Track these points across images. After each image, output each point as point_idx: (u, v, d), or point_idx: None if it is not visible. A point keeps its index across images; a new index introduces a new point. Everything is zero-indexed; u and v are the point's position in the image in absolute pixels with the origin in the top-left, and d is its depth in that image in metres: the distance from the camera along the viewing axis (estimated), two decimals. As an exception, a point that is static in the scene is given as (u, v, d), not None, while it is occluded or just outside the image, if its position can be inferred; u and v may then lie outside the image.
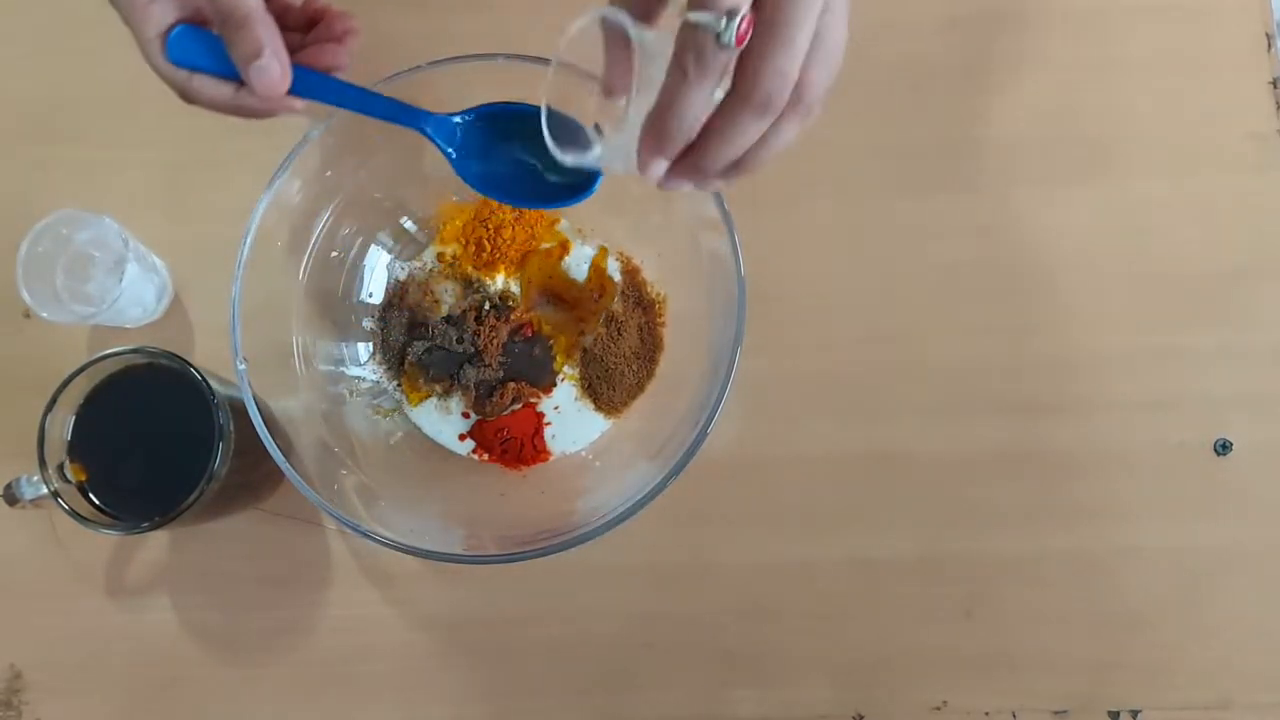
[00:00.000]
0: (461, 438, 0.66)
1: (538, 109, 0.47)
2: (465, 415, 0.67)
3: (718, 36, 0.38)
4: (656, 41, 0.42)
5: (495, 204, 0.68)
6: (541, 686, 0.65)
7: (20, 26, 0.74)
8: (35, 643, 0.66)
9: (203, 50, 0.46)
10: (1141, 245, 0.68)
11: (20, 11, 0.74)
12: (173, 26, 0.46)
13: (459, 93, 0.63)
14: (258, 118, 0.47)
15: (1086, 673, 0.64)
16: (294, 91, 0.46)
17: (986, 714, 0.64)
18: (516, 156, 0.54)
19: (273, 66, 0.44)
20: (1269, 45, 0.69)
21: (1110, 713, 0.63)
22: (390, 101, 0.50)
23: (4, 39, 0.74)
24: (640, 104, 0.42)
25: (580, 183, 0.51)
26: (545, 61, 0.59)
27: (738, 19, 0.37)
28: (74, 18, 0.74)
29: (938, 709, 0.64)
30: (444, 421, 0.67)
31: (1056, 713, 0.63)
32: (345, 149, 0.61)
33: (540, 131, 0.47)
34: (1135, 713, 0.63)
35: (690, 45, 0.38)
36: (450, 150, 0.52)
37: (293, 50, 0.46)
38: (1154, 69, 0.70)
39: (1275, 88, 0.69)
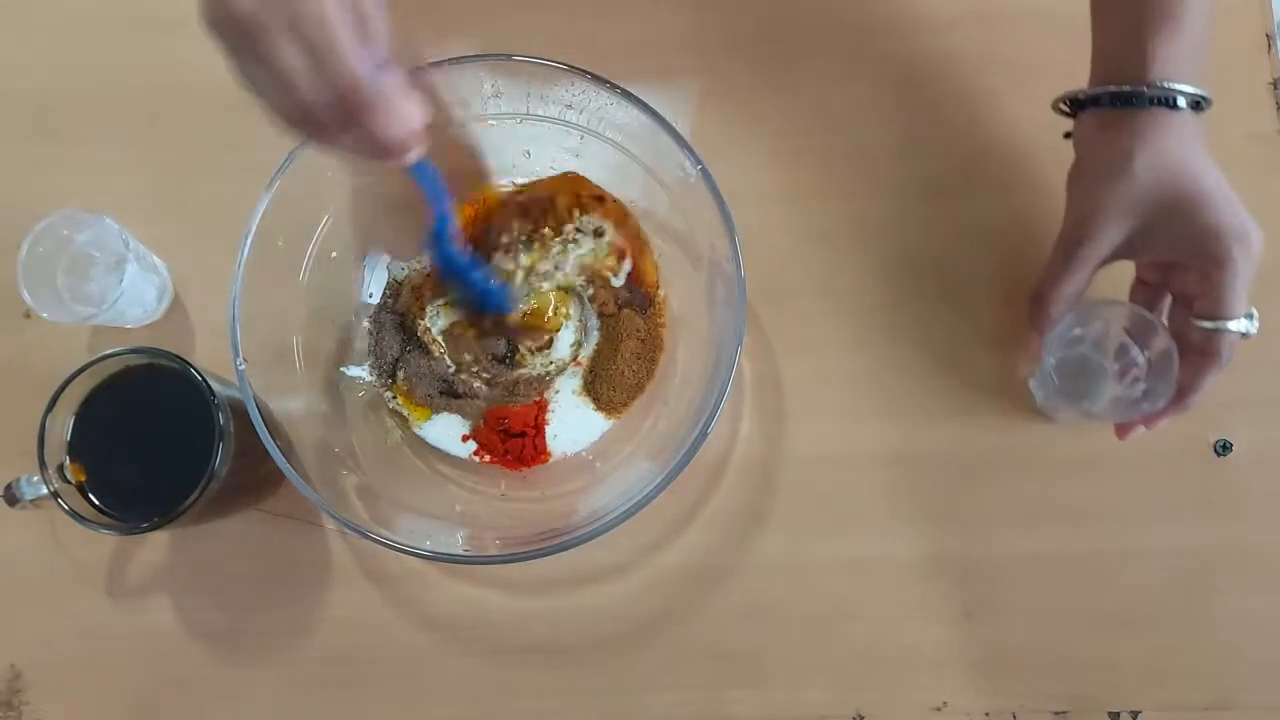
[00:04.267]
0: (464, 438, 0.66)
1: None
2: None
3: (1244, 334, 0.56)
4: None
5: (494, 202, 0.68)
6: (541, 686, 0.65)
7: (21, 26, 0.74)
8: (35, 643, 0.66)
9: None
10: (1141, 245, 0.68)
11: (21, 11, 0.74)
12: None
13: (458, 93, 0.63)
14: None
15: (1086, 673, 0.64)
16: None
17: (986, 714, 0.64)
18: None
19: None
20: (1269, 46, 0.69)
21: (1110, 713, 0.63)
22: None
23: (5, 39, 0.74)
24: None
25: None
26: (544, 61, 0.60)
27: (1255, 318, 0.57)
28: (75, 18, 0.74)
29: (938, 709, 0.64)
30: (447, 424, 0.67)
31: (1056, 713, 0.63)
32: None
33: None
34: (1135, 713, 0.63)
35: (1226, 346, 0.57)
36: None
37: None
38: (1154, 69, 0.70)
39: (1275, 88, 0.69)
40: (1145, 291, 0.63)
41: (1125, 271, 0.64)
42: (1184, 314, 0.59)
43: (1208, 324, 0.56)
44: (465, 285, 0.61)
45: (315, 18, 0.42)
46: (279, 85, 0.43)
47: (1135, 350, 0.62)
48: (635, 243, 0.67)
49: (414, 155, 0.47)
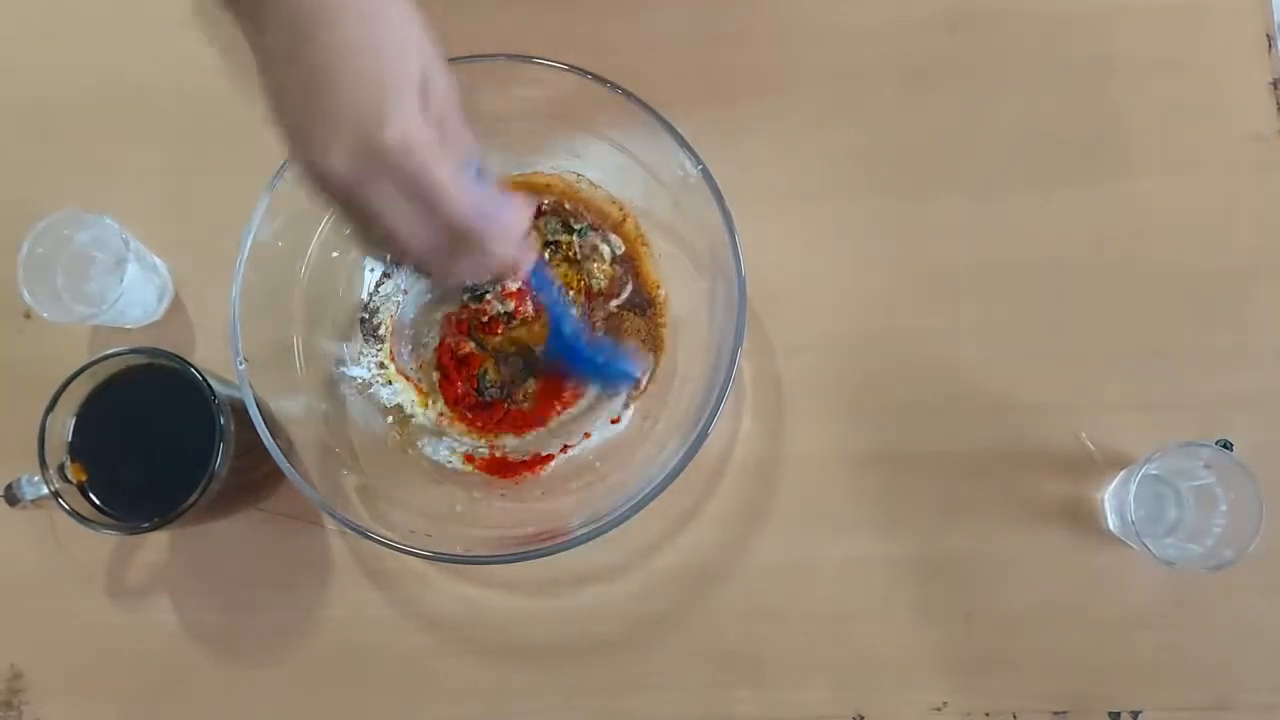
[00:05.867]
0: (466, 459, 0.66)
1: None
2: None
3: None
4: None
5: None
6: (541, 686, 0.65)
7: (21, 26, 0.74)
8: (35, 643, 0.66)
9: None
10: (1141, 245, 0.68)
11: (21, 11, 0.74)
12: None
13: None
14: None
15: (1086, 673, 0.64)
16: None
17: (987, 714, 0.64)
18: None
19: None
20: (1269, 46, 0.69)
21: (1110, 713, 0.63)
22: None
23: (5, 39, 0.74)
24: None
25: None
26: (545, 62, 0.60)
27: None
28: (75, 17, 0.74)
29: (938, 709, 0.64)
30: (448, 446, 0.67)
31: (1056, 713, 0.63)
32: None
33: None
34: (1135, 713, 0.63)
35: None
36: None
37: None
38: (1154, 69, 0.70)
39: (1275, 88, 0.69)
40: None
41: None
42: None
43: None
44: (594, 372, 0.63)
45: (412, 164, 0.40)
46: (394, 237, 0.42)
47: (1219, 491, 0.61)
48: (634, 244, 0.68)
49: (530, 262, 0.48)
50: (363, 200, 0.41)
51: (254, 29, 0.42)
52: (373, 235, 0.43)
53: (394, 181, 0.41)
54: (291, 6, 0.40)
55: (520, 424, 0.66)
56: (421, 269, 0.45)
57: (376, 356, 0.67)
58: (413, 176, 0.41)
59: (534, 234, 0.47)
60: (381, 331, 0.67)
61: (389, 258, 0.45)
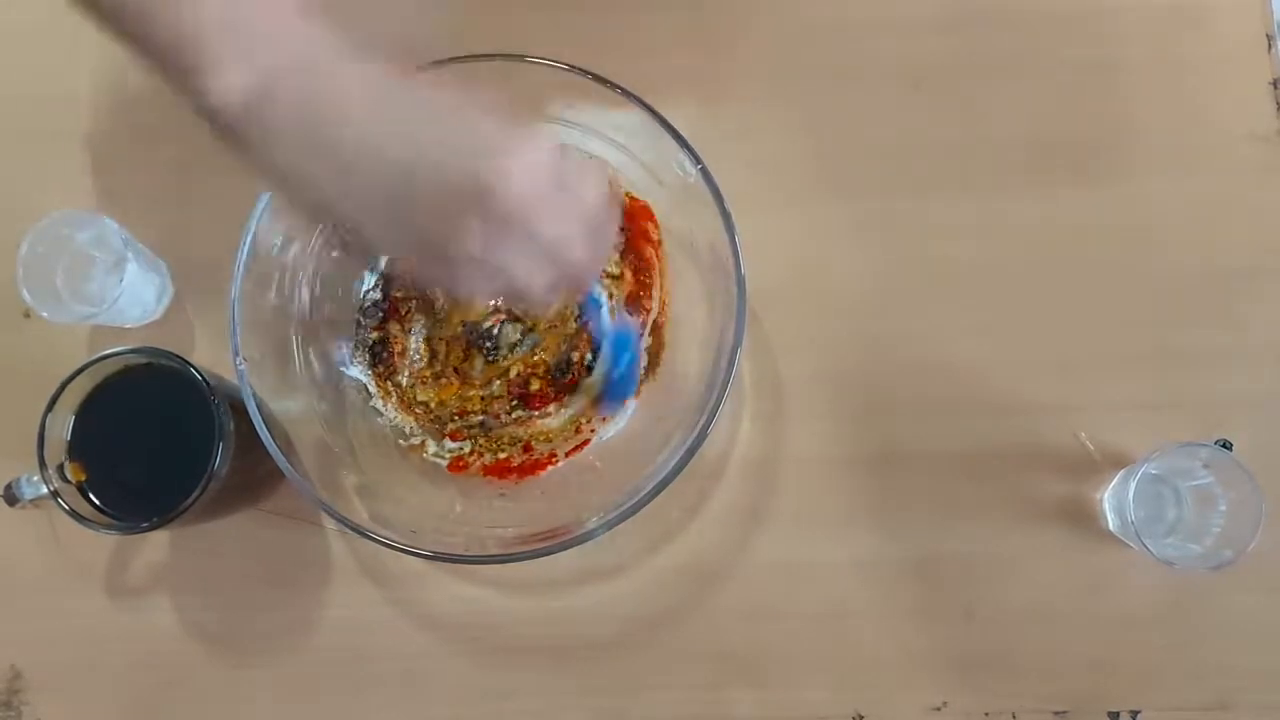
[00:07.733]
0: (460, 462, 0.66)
1: None
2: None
3: None
4: None
5: None
6: (541, 686, 0.65)
7: (20, 25, 0.74)
8: (35, 643, 0.66)
9: None
10: (1141, 245, 0.68)
11: (20, 10, 0.74)
12: None
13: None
14: None
15: (1086, 673, 0.64)
16: None
17: (986, 714, 0.64)
18: None
19: None
20: (1269, 45, 0.69)
21: (1110, 713, 0.63)
22: None
23: (4, 38, 0.74)
24: None
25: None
26: (545, 61, 0.60)
27: None
28: (74, 17, 0.74)
29: (938, 709, 0.64)
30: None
31: (1056, 713, 0.63)
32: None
33: None
34: (1135, 713, 0.63)
35: None
36: None
37: None
38: (1154, 69, 0.70)
39: (1275, 88, 0.69)
40: None
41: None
42: None
43: None
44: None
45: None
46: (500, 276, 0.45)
47: (1218, 491, 0.62)
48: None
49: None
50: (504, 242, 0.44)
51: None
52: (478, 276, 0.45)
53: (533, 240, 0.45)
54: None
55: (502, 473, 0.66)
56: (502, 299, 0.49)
57: (369, 377, 0.67)
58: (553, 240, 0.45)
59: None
60: (377, 351, 0.67)
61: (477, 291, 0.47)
